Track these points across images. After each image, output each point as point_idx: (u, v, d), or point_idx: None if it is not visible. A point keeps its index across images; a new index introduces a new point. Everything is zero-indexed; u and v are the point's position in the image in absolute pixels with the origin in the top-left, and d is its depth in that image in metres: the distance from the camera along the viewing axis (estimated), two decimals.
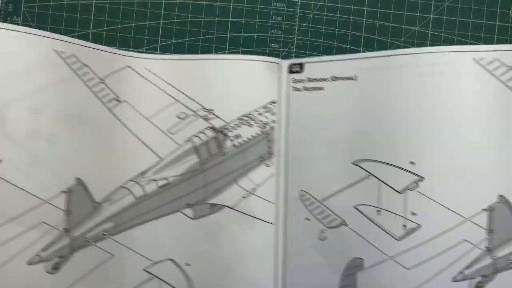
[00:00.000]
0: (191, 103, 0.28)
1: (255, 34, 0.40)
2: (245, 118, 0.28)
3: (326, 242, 0.29)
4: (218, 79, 0.30)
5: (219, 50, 0.40)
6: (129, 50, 0.39)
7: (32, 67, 0.27)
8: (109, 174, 0.26)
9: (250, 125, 0.28)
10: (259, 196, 0.27)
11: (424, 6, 0.41)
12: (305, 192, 0.30)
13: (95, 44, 0.34)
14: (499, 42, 0.41)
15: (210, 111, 0.28)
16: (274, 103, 0.31)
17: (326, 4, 0.41)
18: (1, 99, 0.25)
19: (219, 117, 0.28)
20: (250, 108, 0.29)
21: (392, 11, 0.41)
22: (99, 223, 0.26)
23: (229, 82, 0.30)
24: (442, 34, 0.41)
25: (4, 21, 0.39)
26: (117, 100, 0.27)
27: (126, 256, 0.26)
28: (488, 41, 0.41)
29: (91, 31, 0.40)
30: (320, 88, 0.35)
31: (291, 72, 0.36)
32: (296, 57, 0.40)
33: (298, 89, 0.35)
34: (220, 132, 0.28)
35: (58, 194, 0.25)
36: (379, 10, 0.41)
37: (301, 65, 0.36)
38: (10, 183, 0.24)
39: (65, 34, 0.39)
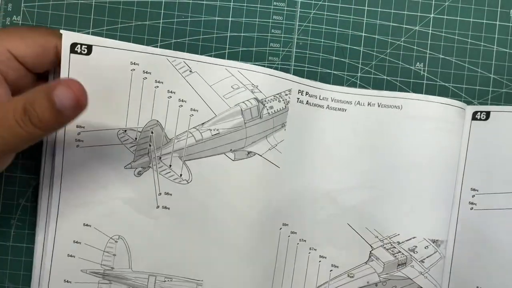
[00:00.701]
0: (243, 78, 0.37)
1: (255, 34, 0.40)
2: (277, 95, 0.37)
3: None
4: None
5: (219, 49, 0.40)
6: None
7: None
8: (179, 122, 0.37)
9: (279, 101, 0.37)
10: (277, 150, 0.38)
11: (425, 6, 0.41)
12: None
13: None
14: (500, 42, 0.41)
15: (256, 86, 0.37)
16: None
17: (326, 3, 0.41)
18: None
19: (261, 92, 0.37)
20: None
21: (392, 11, 0.41)
22: (169, 152, 0.37)
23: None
24: (443, 34, 0.41)
25: (4, 20, 0.39)
26: (190, 71, 0.37)
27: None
28: (489, 40, 0.41)
29: (91, 31, 0.39)
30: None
31: (475, 119, 0.39)
32: (296, 57, 0.40)
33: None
34: (260, 102, 0.37)
35: (144, 128, 0.36)
36: (379, 9, 0.41)
37: (487, 113, 0.39)
38: None
39: None
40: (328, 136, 0.38)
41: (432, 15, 0.41)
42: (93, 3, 0.40)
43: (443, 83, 0.41)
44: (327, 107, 0.39)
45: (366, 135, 0.38)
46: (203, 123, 0.37)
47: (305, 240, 0.38)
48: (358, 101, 0.39)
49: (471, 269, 0.38)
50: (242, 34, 0.40)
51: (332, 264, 0.38)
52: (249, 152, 0.37)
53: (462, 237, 0.38)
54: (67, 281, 0.37)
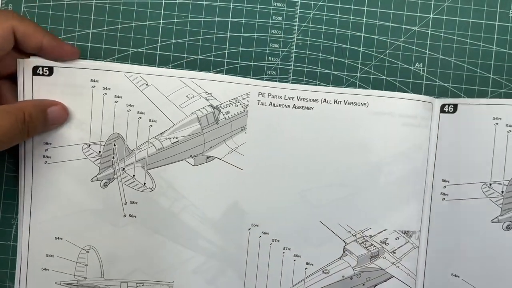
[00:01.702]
0: (196, 87, 0.39)
1: (255, 34, 0.41)
2: (233, 100, 0.39)
3: None
4: None
5: (218, 50, 0.40)
6: (129, 50, 0.40)
7: None
8: (139, 133, 0.38)
9: (236, 105, 0.39)
10: (238, 152, 0.39)
11: (424, 6, 0.41)
12: None
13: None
14: (499, 42, 0.41)
15: (210, 94, 0.39)
16: None
17: (326, 4, 0.41)
18: None
19: (215, 99, 0.39)
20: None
21: (391, 11, 0.41)
22: (131, 163, 0.38)
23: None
24: (442, 34, 0.41)
25: None
26: (147, 85, 0.38)
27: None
28: (488, 41, 0.41)
29: (91, 31, 0.40)
30: None
31: (443, 112, 0.40)
32: (295, 58, 0.40)
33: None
34: (216, 108, 0.39)
35: (107, 141, 0.38)
36: (379, 10, 0.41)
37: (454, 106, 0.39)
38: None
39: (65, 34, 0.39)
40: (295, 136, 0.39)
41: (431, 16, 0.41)
42: (93, 3, 0.40)
43: (442, 83, 0.41)
44: (293, 107, 0.39)
45: (333, 133, 0.39)
46: (162, 133, 0.38)
47: (278, 240, 0.39)
48: (324, 99, 0.39)
49: (445, 257, 0.39)
50: (241, 34, 0.40)
51: (307, 262, 0.39)
52: (208, 157, 0.39)
53: (435, 227, 0.39)
54: None
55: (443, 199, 0.39)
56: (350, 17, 0.41)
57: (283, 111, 0.39)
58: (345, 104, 0.39)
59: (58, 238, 0.38)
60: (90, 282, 0.38)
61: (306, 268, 0.39)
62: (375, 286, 0.39)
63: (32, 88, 0.37)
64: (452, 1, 0.41)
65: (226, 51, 0.40)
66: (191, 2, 0.40)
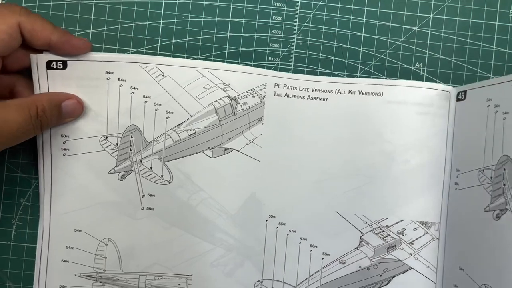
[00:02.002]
0: (213, 78, 0.38)
1: (255, 34, 0.41)
2: (250, 91, 0.39)
3: None
4: None
5: (218, 50, 0.40)
6: (129, 49, 0.40)
7: None
8: (156, 124, 0.38)
9: (253, 96, 0.38)
10: (256, 144, 0.39)
11: (424, 6, 0.41)
12: None
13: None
14: (499, 42, 0.41)
15: (227, 84, 0.38)
16: None
17: (326, 4, 0.41)
18: None
19: (233, 89, 0.38)
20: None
21: (392, 11, 0.41)
22: (149, 155, 0.38)
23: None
24: (442, 34, 0.41)
25: None
26: (163, 75, 0.38)
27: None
28: (488, 40, 0.41)
29: (91, 31, 0.40)
30: None
31: (458, 100, 0.39)
32: (295, 58, 0.40)
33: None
34: (233, 99, 0.38)
35: (124, 133, 0.38)
36: (379, 10, 0.41)
37: (465, 93, 0.39)
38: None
39: None
40: (310, 127, 0.39)
41: (431, 16, 0.41)
42: (93, 3, 0.40)
43: (442, 83, 0.41)
44: (308, 98, 0.39)
45: (349, 123, 0.39)
46: (179, 124, 0.38)
47: (294, 231, 0.39)
48: (339, 90, 0.39)
49: (457, 251, 0.38)
50: (242, 34, 0.40)
51: (323, 252, 0.39)
52: (226, 149, 0.38)
53: (451, 218, 0.39)
54: (63, 286, 0.38)
55: (456, 188, 0.38)
56: (350, 17, 0.41)
57: (298, 102, 0.39)
58: (360, 94, 0.39)
59: (78, 230, 0.38)
60: (109, 275, 0.38)
61: (322, 259, 0.39)
62: (392, 277, 0.39)
63: (47, 82, 0.36)
64: (452, 1, 0.41)
65: (226, 51, 0.40)
66: (191, 2, 0.40)
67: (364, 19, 0.41)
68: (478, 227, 0.36)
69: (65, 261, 0.38)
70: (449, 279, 0.38)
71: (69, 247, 0.38)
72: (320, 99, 0.39)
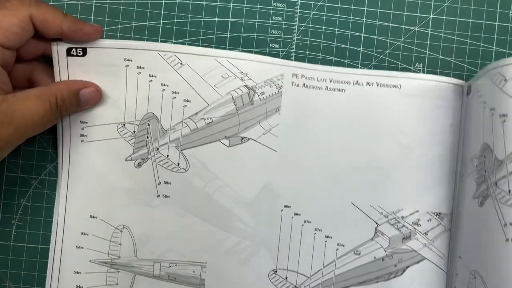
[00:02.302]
0: (231, 67, 0.39)
1: (255, 34, 0.41)
2: (267, 81, 0.39)
3: None
4: None
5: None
6: None
7: None
8: (174, 112, 0.38)
9: (271, 86, 0.38)
10: (272, 134, 0.39)
11: (424, 6, 0.41)
12: None
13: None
14: (499, 42, 0.41)
15: (245, 74, 0.38)
16: None
17: (326, 4, 0.41)
18: None
19: (251, 79, 0.38)
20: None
21: (392, 11, 0.41)
22: (165, 143, 0.38)
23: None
24: (442, 34, 0.41)
25: None
26: (181, 64, 0.38)
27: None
28: (488, 41, 0.41)
29: None
30: None
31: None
32: (295, 58, 0.40)
33: None
34: (251, 89, 0.38)
35: (141, 121, 0.38)
36: (378, 10, 0.41)
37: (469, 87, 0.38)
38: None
39: None
40: (327, 118, 0.39)
41: (431, 16, 0.41)
42: (93, 3, 0.40)
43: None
44: (325, 89, 0.39)
45: (366, 115, 0.39)
46: (196, 113, 0.38)
47: (309, 222, 0.39)
48: (357, 81, 0.39)
49: (458, 237, 0.38)
50: (241, 34, 0.40)
51: (338, 243, 0.39)
52: (243, 138, 0.38)
53: (457, 208, 0.39)
54: (77, 272, 0.38)
55: (460, 180, 0.39)
56: (350, 17, 0.41)
57: (316, 93, 0.39)
58: (378, 86, 0.39)
59: (93, 216, 0.38)
60: (124, 261, 0.38)
61: (337, 249, 0.39)
62: (407, 267, 0.39)
63: (67, 69, 0.37)
64: (452, 1, 0.41)
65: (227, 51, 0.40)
66: (191, 2, 0.40)
67: (364, 19, 0.41)
68: (468, 215, 0.37)
69: (79, 247, 0.38)
70: (453, 268, 0.39)
71: (84, 234, 0.38)
72: (338, 90, 0.39)
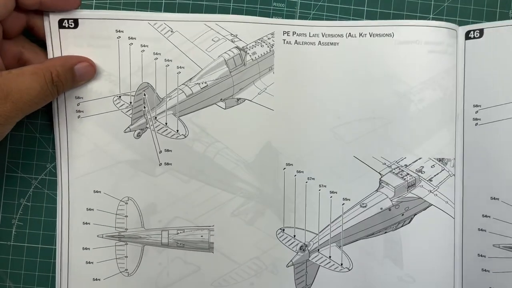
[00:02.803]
0: (221, 30, 0.39)
1: None
2: (258, 41, 0.39)
3: None
4: None
5: None
6: None
7: None
8: (168, 80, 0.39)
9: (262, 46, 0.39)
10: (268, 93, 0.39)
11: (424, 6, 0.41)
12: None
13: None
14: None
15: (235, 36, 0.39)
16: None
17: (326, 4, 0.41)
18: None
19: (241, 40, 0.39)
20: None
21: (391, 11, 0.41)
22: (163, 111, 0.39)
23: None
24: None
25: None
26: (172, 31, 0.38)
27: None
28: None
29: None
30: None
31: (468, 38, 0.39)
32: None
33: None
34: (242, 50, 0.38)
35: (137, 91, 0.39)
36: (378, 10, 0.41)
37: (481, 31, 0.39)
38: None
39: None
40: (322, 73, 0.39)
41: (431, 16, 0.41)
42: (93, 3, 0.39)
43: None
44: (318, 44, 0.39)
45: (361, 66, 0.39)
46: (190, 79, 0.39)
47: (313, 178, 0.39)
48: (349, 33, 0.39)
49: (482, 183, 0.39)
50: None
51: (343, 198, 0.39)
52: (238, 99, 0.39)
53: (470, 153, 0.39)
54: (86, 248, 0.38)
55: (476, 124, 0.39)
56: (350, 17, 0.41)
57: (309, 48, 0.39)
58: (371, 36, 0.39)
59: (97, 191, 0.38)
60: (132, 233, 0.39)
61: (343, 204, 0.39)
62: (414, 215, 0.39)
63: (60, 42, 0.37)
64: (452, 1, 0.41)
65: None
66: (191, 2, 0.40)
67: (364, 20, 0.41)
68: (504, 158, 0.38)
69: (86, 223, 0.38)
70: (472, 212, 0.39)
71: (89, 209, 0.38)
72: (331, 44, 0.39)
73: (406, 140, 0.39)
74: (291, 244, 0.39)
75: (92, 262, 0.39)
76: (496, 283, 0.38)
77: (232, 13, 0.40)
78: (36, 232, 0.40)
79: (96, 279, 0.39)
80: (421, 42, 0.38)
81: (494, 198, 0.38)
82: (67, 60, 0.36)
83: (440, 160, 0.39)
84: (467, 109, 0.39)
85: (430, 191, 0.39)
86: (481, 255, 0.39)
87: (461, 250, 0.39)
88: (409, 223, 0.39)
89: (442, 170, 0.39)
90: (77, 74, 0.36)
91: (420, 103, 0.39)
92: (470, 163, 0.39)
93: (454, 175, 0.39)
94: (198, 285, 0.39)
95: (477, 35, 0.39)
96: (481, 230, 0.38)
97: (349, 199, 0.39)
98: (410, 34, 0.38)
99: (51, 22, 0.37)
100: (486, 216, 0.38)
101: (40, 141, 0.40)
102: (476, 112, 0.39)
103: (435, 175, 0.39)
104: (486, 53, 0.38)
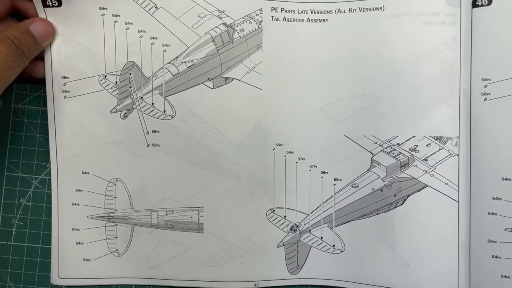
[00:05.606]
0: (207, 5, 0.38)
1: None
2: (246, 17, 0.38)
3: None
4: None
5: None
6: None
7: None
8: (154, 59, 0.38)
9: (250, 22, 0.38)
10: (256, 72, 0.38)
11: None
12: None
13: None
14: None
15: (222, 11, 0.38)
16: None
17: None
18: None
19: (228, 16, 0.38)
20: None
21: None
22: (149, 91, 0.38)
23: None
24: None
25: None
26: (156, 7, 0.37)
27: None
28: None
29: None
30: None
31: (475, 6, 0.37)
32: None
33: None
34: (230, 27, 0.38)
35: (122, 70, 0.38)
36: None
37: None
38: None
39: None
40: (312, 50, 0.38)
41: None
42: None
43: None
44: (307, 20, 0.38)
45: (351, 43, 0.38)
46: (177, 57, 0.38)
47: (304, 159, 0.39)
48: (339, 9, 0.38)
49: (492, 162, 0.36)
50: None
51: (335, 178, 0.39)
52: (226, 78, 0.38)
53: (478, 130, 0.37)
54: (76, 229, 0.38)
55: (485, 99, 0.36)
56: None
57: (298, 25, 0.38)
58: (360, 11, 0.37)
59: (85, 172, 0.38)
60: (121, 214, 0.38)
61: (334, 184, 0.38)
62: (407, 196, 0.38)
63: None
64: None
65: None
66: None
67: None
68: None
69: (75, 204, 0.38)
70: (480, 195, 0.37)
71: (78, 190, 0.38)
72: (320, 20, 0.38)
73: (398, 117, 0.38)
74: (282, 224, 0.39)
75: (82, 243, 0.38)
76: (508, 270, 0.36)
77: None
78: (36, 232, 0.40)
79: (87, 260, 0.39)
80: (413, 14, 0.37)
81: (506, 179, 0.36)
82: (21, 24, 0.35)
83: (438, 138, 0.37)
84: (475, 84, 0.37)
85: (426, 171, 0.38)
86: (492, 241, 0.36)
87: (469, 236, 0.37)
88: (402, 204, 0.38)
89: (440, 149, 0.37)
90: (36, 34, 0.35)
91: (413, 78, 0.37)
92: (478, 142, 0.37)
93: (457, 154, 0.37)
94: (188, 265, 0.39)
95: (485, 2, 0.36)
96: (491, 213, 0.36)
97: (341, 179, 0.39)
98: (401, 6, 0.37)
99: (35, 2, 0.36)
100: (496, 198, 0.36)
101: (40, 141, 0.40)
102: (485, 86, 0.36)
103: (431, 155, 0.37)
104: (496, 22, 0.36)
